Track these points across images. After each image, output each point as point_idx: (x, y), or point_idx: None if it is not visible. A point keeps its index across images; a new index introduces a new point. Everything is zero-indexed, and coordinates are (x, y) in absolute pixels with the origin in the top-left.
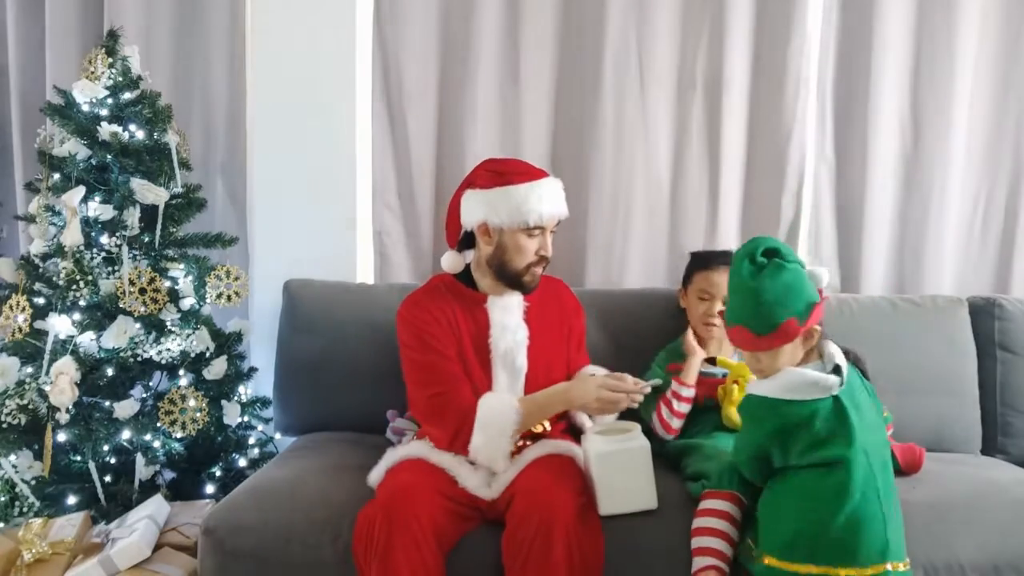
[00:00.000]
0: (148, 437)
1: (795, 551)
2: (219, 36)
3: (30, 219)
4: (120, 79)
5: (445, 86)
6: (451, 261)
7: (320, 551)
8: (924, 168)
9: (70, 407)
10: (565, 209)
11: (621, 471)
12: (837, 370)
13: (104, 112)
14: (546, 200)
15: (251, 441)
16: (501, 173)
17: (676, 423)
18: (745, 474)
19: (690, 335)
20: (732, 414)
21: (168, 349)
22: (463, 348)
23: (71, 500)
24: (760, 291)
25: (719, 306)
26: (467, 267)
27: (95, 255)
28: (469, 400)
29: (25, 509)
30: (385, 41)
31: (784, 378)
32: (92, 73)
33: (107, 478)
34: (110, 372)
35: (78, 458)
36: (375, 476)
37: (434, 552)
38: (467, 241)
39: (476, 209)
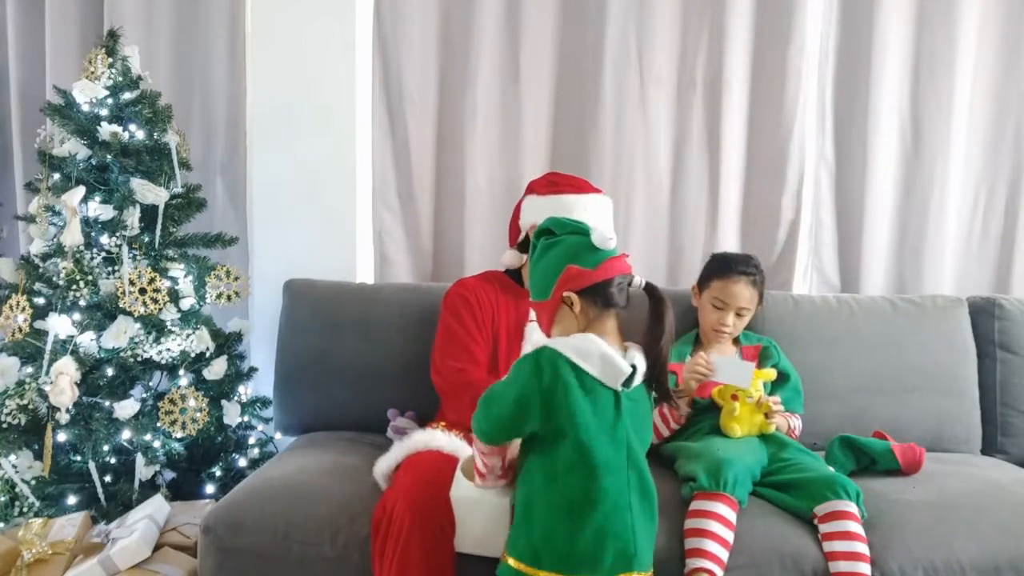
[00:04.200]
0: (148, 437)
1: (541, 558)
2: (219, 36)
3: (30, 219)
4: (120, 79)
5: (445, 86)
6: (508, 257)
7: (320, 549)
8: (924, 168)
9: (70, 407)
10: (609, 223)
11: (481, 518)
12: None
13: (104, 112)
14: (590, 211)
15: (251, 441)
16: (556, 183)
17: (666, 433)
18: (495, 432)
19: (687, 376)
20: (730, 426)
21: (168, 349)
22: (497, 331)
23: (71, 500)
24: (530, 270)
25: (732, 316)
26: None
27: (95, 255)
28: (484, 379)
29: (25, 509)
30: (385, 41)
31: (579, 340)
32: (92, 73)
33: (107, 478)
34: (110, 372)
35: (78, 458)
36: (383, 467)
37: (452, 553)
38: (525, 243)
39: (531, 213)
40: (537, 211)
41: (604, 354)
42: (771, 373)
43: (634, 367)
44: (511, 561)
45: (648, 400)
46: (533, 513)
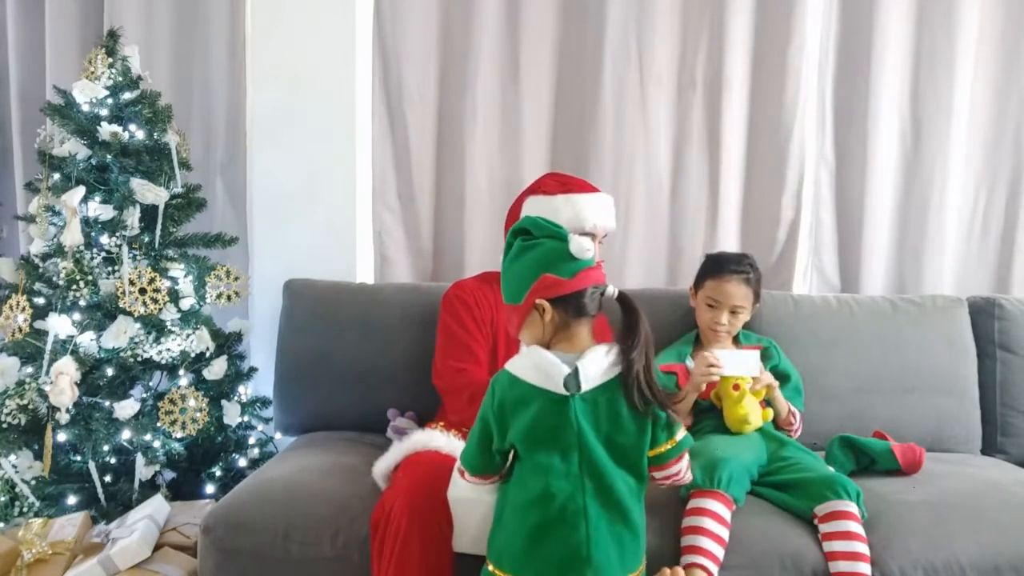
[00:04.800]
0: (148, 437)
1: (503, 559)
2: (219, 36)
3: (30, 219)
4: (120, 79)
5: (445, 86)
6: None
7: (320, 549)
8: (924, 168)
9: (70, 407)
10: (614, 222)
11: (479, 518)
12: (576, 373)
13: (104, 112)
14: (600, 209)
15: (251, 441)
16: (565, 183)
17: None
18: (475, 462)
19: (694, 376)
20: (740, 416)
21: (168, 349)
22: (496, 332)
23: (71, 500)
24: (503, 270)
25: (726, 314)
26: None
27: (95, 255)
28: (485, 379)
29: (25, 509)
30: (385, 41)
31: (523, 355)
32: (92, 73)
33: (107, 478)
34: (110, 372)
35: (78, 458)
36: (382, 467)
37: (450, 553)
38: None
39: (540, 213)
40: (548, 212)
41: (540, 362)
42: None
43: (577, 369)
44: (488, 564)
45: (619, 403)
46: (501, 516)
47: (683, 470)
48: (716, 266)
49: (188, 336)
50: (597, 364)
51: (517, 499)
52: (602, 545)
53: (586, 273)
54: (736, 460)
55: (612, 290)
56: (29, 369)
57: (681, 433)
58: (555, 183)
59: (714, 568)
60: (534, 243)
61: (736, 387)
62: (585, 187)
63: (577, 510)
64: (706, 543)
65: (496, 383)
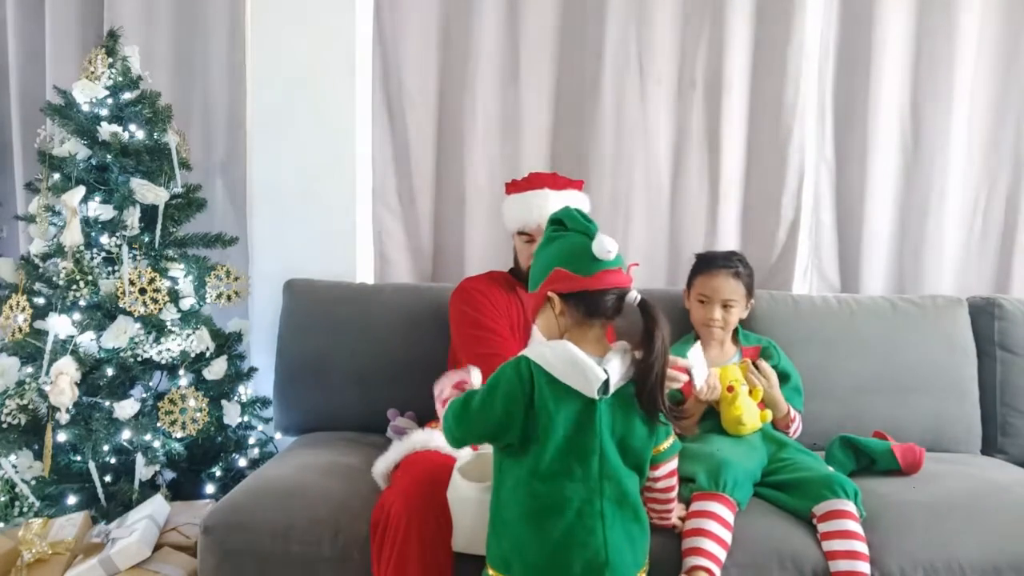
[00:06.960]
0: (148, 437)
1: (512, 566)
2: (219, 36)
3: (30, 219)
4: (120, 79)
5: (445, 86)
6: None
7: (320, 549)
8: (924, 168)
9: (70, 407)
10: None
11: (480, 518)
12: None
13: (104, 112)
14: (534, 208)
15: (251, 441)
16: (515, 184)
17: None
18: (463, 436)
19: (710, 380)
20: (735, 418)
21: (168, 349)
22: (512, 328)
23: (71, 500)
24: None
25: (718, 309)
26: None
27: (95, 255)
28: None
29: (25, 509)
30: (385, 41)
31: (553, 348)
32: (92, 73)
33: (107, 478)
34: (110, 372)
35: (78, 458)
36: (381, 467)
37: (449, 552)
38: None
39: (505, 212)
40: (507, 209)
41: (576, 361)
42: (740, 367)
43: (607, 373)
44: (489, 570)
45: (632, 406)
46: (503, 521)
47: (675, 471)
48: (704, 263)
49: (188, 336)
50: (618, 369)
51: (527, 505)
52: (618, 546)
53: (604, 274)
54: (740, 464)
55: (634, 295)
56: (29, 369)
57: (673, 436)
58: (520, 181)
59: (717, 571)
60: (562, 235)
61: (731, 388)
62: (552, 183)
63: (594, 514)
64: (709, 545)
65: (522, 367)
